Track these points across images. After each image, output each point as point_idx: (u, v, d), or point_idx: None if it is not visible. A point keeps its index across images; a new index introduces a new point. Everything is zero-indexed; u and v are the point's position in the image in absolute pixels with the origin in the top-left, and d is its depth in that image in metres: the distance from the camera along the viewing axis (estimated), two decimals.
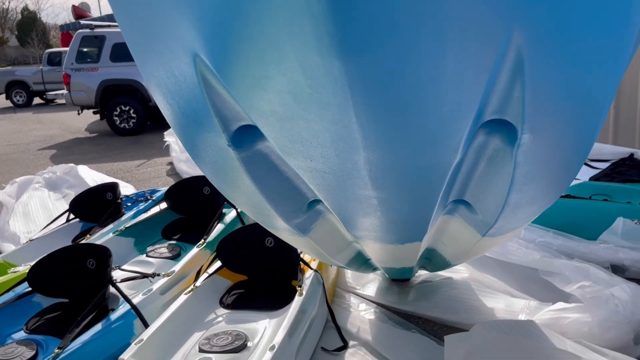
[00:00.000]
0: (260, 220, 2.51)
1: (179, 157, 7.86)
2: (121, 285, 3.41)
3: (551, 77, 1.35)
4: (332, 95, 1.17)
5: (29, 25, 50.95)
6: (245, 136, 1.58)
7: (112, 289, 3.40)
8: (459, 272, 3.75)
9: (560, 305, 3.08)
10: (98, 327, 3.08)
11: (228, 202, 4.78)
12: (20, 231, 5.54)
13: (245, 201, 2.29)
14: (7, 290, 3.47)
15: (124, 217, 4.80)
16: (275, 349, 2.65)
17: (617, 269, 3.71)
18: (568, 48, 1.30)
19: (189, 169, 7.41)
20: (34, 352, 2.95)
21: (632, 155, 5.41)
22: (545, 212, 2.30)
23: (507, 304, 3.29)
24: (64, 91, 12.74)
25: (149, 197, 5.33)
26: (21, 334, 3.20)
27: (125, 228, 4.46)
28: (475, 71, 1.24)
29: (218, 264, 3.65)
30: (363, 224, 2.09)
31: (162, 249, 4.33)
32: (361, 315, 3.45)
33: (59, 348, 2.84)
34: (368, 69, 1.12)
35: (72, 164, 7.52)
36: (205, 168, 2.12)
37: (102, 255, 3.42)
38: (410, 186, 1.68)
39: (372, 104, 1.22)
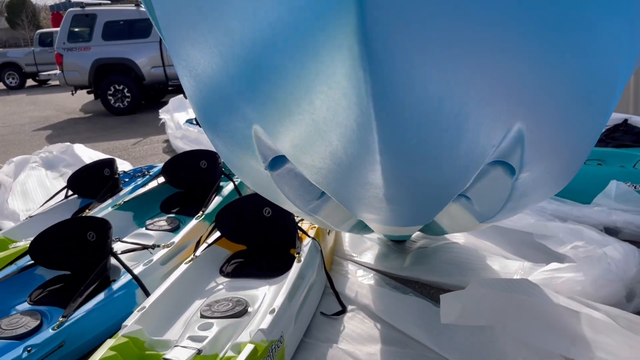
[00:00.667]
0: (271, 199, 2.63)
1: (175, 134, 7.86)
2: (122, 257, 3.46)
3: (545, 140, 1.75)
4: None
5: (19, 6, 50.20)
6: (277, 160, 1.96)
7: (113, 261, 3.45)
8: (455, 237, 3.81)
9: (554, 265, 3.14)
10: (100, 296, 3.14)
11: (225, 174, 4.81)
12: (19, 209, 5.56)
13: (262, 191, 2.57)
14: (10, 264, 3.51)
15: (122, 192, 4.83)
16: (275, 312, 2.71)
17: (611, 232, 3.76)
18: (560, 128, 1.72)
19: (185, 145, 7.41)
20: (38, 322, 3.00)
21: (626, 121, 5.43)
22: None
23: (501, 265, 3.35)
24: (57, 71, 12.64)
25: (146, 172, 5.35)
26: (25, 306, 3.26)
27: (124, 202, 4.49)
28: (486, 141, 1.58)
29: (217, 234, 3.69)
30: (369, 215, 2.30)
31: (161, 222, 4.37)
32: (359, 281, 3.50)
33: (63, 317, 2.89)
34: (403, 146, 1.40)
35: (68, 143, 7.51)
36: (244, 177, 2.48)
37: (102, 227, 3.46)
38: (419, 200, 1.96)
39: (399, 155, 1.47)
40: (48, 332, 2.81)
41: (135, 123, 10.89)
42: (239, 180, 4.85)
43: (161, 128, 8.83)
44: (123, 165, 6.45)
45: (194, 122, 7.85)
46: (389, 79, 1.15)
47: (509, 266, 3.32)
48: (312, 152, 1.59)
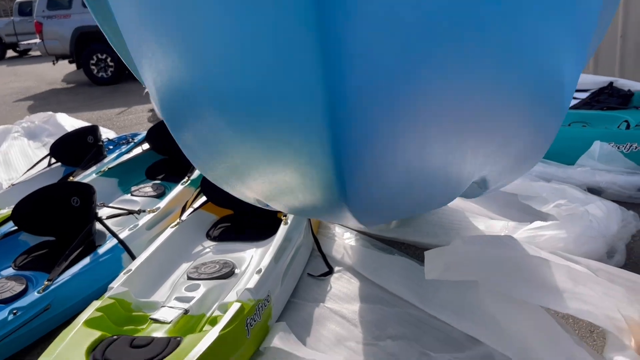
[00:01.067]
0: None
1: None
2: (107, 222, 3.44)
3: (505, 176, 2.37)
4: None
5: None
6: None
7: (98, 226, 3.43)
8: None
9: (537, 223, 3.17)
10: (86, 260, 3.13)
11: None
12: (1, 179, 5.50)
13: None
14: None
15: (106, 160, 4.78)
16: (262, 272, 2.72)
17: (594, 192, 3.80)
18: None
19: None
20: (23, 286, 2.99)
21: (611, 83, 5.45)
22: None
23: (486, 225, 3.38)
24: (37, 40, 12.36)
25: (130, 139, 5.29)
26: (10, 271, 3.24)
27: (109, 169, 4.45)
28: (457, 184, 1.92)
29: (203, 199, 3.68)
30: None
31: (147, 188, 4.34)
32: (345, 243, 3.52)
33: (48, 280, 2.89)
34: None
35: (50, 112, 7.40)
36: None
37: (86, 192, 3.43)
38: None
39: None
40: (34, 296, 2.81)
41: (119, 92, 10.72)
42: None
43: (145, 97, 8.71)
44: (108, 134, 6.37)
45: None
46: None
47: (493, 226, 3.35)
48: (280, 200, 1.83)
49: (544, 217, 3.37)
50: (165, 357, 2.22)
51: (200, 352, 2.17)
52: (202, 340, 2.25)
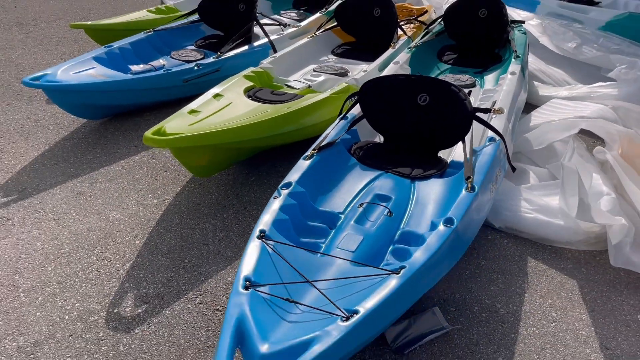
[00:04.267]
0: None
1: None
2: (258, 28, 4.58)
3: None
4: None
5: None
6: None
7: (256, 30, 4.57)
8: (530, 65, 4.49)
9: (598, 84, 3.82)
10: (244, 47, 4.30)
11: None
12: None
13: None
14: (182, 16, 4.76)
15: None
16: (366, 71, 3.72)
17: None
18: None
19: None
20: (202, 56, 4.26)
21: None
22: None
23: (555, 85, 4.08)
24: None
25: None
26: (192, 47, 4.52)
27: None
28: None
29: (334, 24, 4.64)
30: None
31: (292, 13, 5.41)
32: None
33: (220, 52, 4.11)
34: None
35: None
36: None
37: (250, 1, 4.52)
38: None
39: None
40: (210, 59, 4.05)
41: None
42: None
43: None
44: None
45: None
46: None
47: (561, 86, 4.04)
48: None
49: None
50: (292, 100, 3.36)
51: (313, 101, 3.27)
52: (316, 96, 3.35)
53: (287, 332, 1.59)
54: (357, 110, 3.02)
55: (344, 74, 4.04)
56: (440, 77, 3.99)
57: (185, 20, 4.72)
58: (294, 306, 1.72)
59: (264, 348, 1.49)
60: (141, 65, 4.04)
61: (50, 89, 3.42)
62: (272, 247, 1.95)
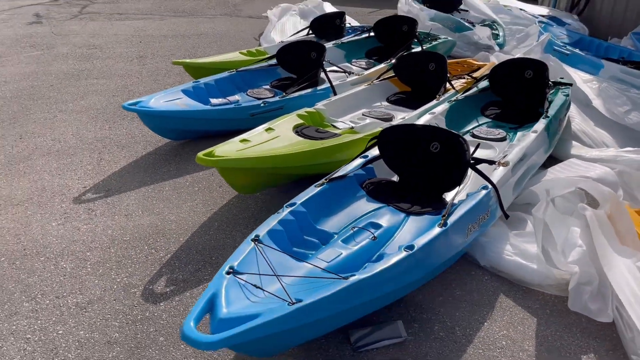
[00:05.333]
0: None
1: (402, 7, 9.23)
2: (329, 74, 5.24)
3: None
4: None
5: None
6: None
7: (323, 75, 5.24)
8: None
9: (626, 149, 4.01)
10: (309, 90, 4.97)
11: (416, 38, 6.18)
12: (276, 39, 7.73)
13: None
14: (262, 60, 5.55)
15: (344, 38, 6.55)
16: (405, 118, 4.22)
17: None
18: None
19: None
20: (272, 95, 4.98)
21: None
22: None
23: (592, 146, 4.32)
24: None
25: (365, 29, 6.97)
26: (267, 86, 5.28)
27: (342, 43, 6.23)
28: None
29: (392, 74, 5.19)
30: None
31: (362, 62, 6.04)
32: None
33: (285, 92, 4.80)
34: None
35: (320, 0, 9.44)
36: None
37: (320, 49, 5.20)
38: None
39: None
40: (276, 98, 4.75)
41: None
42: (429, 43, 6.22)
43: (394, 3, 10.23)
44: (351, 22, 8.15)
45: (419, 1, 9.06)
46: None
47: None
48: None
49: None
50: (330, 137, 3.93)
51: (345, 140, 3.83)
52: (352, 136, 3.91)
53: (246, 307, 2.13)
54: (377, 150, 3.53)
55: (389, 119, 4.56)
56: (476, 129, 4.38)
57: (265, 64, 5.51)
58: (260, 292, 2.26)
59: (223, 313, 2.06)
60: (219, 99, 4.84)
61: (142, 113, 4.28)
62: (260, 248, 2.52)
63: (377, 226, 2.96)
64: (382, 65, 5.61)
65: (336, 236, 2.90)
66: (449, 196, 3.35)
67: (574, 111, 4.97)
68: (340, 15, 6.80)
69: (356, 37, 6.49)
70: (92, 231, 3.40)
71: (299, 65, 5.32)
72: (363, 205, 3.20)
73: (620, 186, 3.46)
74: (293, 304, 2.10)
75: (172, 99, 4.57)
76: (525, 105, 4.68)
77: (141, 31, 8.61)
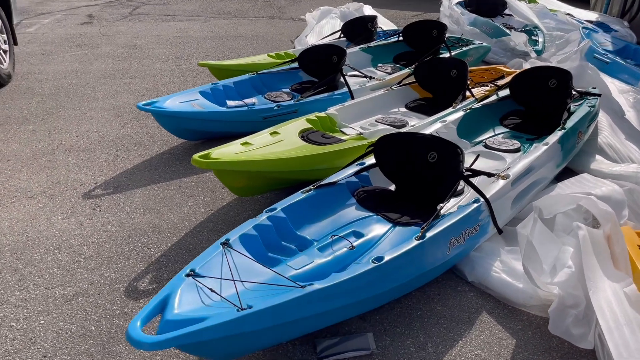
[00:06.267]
0: None
1: (445, 12, 9.05)
2: (348, 78, 5.20)
3: None
4: None
5: None
6: None
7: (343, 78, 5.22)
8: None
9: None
10: (325, 94, 4.95)
11: (444, 43, 6.05)
12: (310, 42, 7.75)
13: None
14: (283, 63, 5.58)
15: (372, 42, 6.50)
16: (415, 125, 4.14)
17: None
18: None
19: (450, 24, 8.59)
20: (290, 98, 5.00)
21: None
22: None
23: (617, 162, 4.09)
24: None
25: (396, 33, 6.88)
26: (287, 90, 5.31)
27: (368, 47, 6.18)
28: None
29: (412, 80, 5.10)
30: None
31: (388, 67, 5.97)
32: None
33: (301, 96, 4.81)
34: None
35: (361, 3, 9.40)
36: None
37: (341, 53, 5.17)
38: None
39: None
40: (291, 102, 4.77)
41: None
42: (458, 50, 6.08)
43: (437, 6, 10.05)
44: (384, 25, 8.06)
45: (461, 5, 8.86)
46: None
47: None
48: None
49: None
50: (335, 143, 3.91)
51: (346, 146, 3.79)
52: (354, 142, 3.87)
53: (196, 310, 2.16)
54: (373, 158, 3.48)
55: (402, 126, 4.49)
56: (490, 139, 4.24)
57: (286, 67, 5.54)
58: (215, 296, 2.29)
59: (170, 315, 2.09)
60: (236, 102, 4.92)
61: (156, 113, 4.41)
62: (227, 252, 2.54)
63: (360, 235, 2.93)
64: (405, 70, 5.52)
65: (315, 243, 2.88)
66: (444, 207, 3.27)
67: (604, 123, 4.73)
68: (372, 19, 6.74)
69: (385, 42, 6.42)
70: (93, 226, 3.53)
71: (320, 68, 5.31)
72: (351, 213, 3.16)
73: (629, 205, 3.26)
74: (242, 309, 2.11)
75: (188, 100, 4.68)
76: (548, 115, 4.49)
77: (183, 32, 8.86)
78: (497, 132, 4.46)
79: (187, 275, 2.33)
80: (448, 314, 2.82)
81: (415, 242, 2.63)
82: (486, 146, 4.15)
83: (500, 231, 3.17)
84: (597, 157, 4.29)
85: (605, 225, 2.93)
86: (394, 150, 3.35)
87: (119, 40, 8.26)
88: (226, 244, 2.58)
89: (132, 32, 8.83)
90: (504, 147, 4.09)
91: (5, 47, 6.21)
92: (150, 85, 6.25)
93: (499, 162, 3.93)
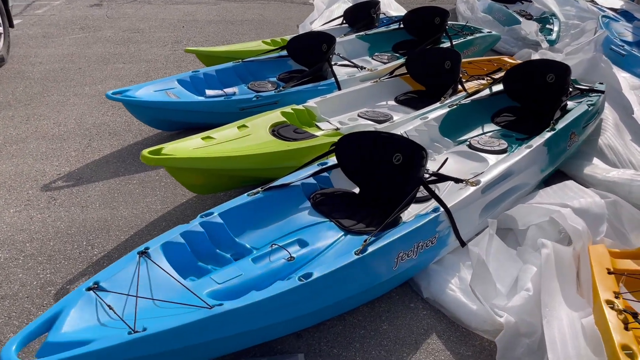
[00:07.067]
0: None
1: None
2: (337, 69, 4.92)
3: None
4: None
5: None
6: None
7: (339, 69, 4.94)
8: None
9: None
10: (309, 85, 4.68)
11: (445, 32, 5.67)
12: (315, 25, 7.46)
13: None
14: (272, 51, 5.33)
15: (372, 29, 6.17)
16: (392, 123, 3.85)
17: None
18: None
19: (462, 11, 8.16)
20: (274, 88, 4.75)
21: None
22: None
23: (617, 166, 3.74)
24: None
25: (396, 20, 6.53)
26: (273, 79, 5.06)
27: (366, 34, 5.86)
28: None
29: (404, 70, 4.77)
30: None
31: (385, 56, 5.65)
32: None
33: (282, 87, 4.56)
34: None
35: None
36: None
37: (330, 40, 4.87)
38: None
39: None
40: (271, 93, 4.52)
41: None
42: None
43: None
44: (388, 12, 7.69)
45: None
46: None
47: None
48: None
49: None
50: (306, 139, 3.66)
51: (314, 143, 3.54)
52: (325, 138, 3.61)
53: (85, 331, 1.96)
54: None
55: (384, 121, 4.19)
56: (475, 138, 3.92)
57: (274, 55, 5.29)
58: (113, 313, 2.09)
59: (55, 335, 1.91)
60: (215, 91, 4.70)
61: (127, 103, 4.23)
62: (143, 263, 2.33)
63: (304, 244, 2.69)
64: (399, 61, 5.20)
65: (254, 251, 2.66)
66: (405, 215, 3.00)
67: (609, 121, 4.35)
68: (374, 5, 6.40)
69: (384, 29, 6.08)
70: (43, 221, 3.40)
71: (309, 57, 5.04)
72: (302, 219, 2.92)
73: (610, 220, 2.92)
74: (134, 332, 1.92)
75: (163, 89, 4.49)
76: (543, 113, 4.13)
77: (189, 15, 8.68)
78: (486, 130, 4.13)
79: (89, 289, 2.15)
80: (394, 334, 2.57)
81: (354, 257, 2.38)
82: (470, 146, 3.84)
83: (463, 244, 2.89)
84: (595, 160, 3.92)
85: (577, 242, 2.63)
86: (358, 149, 3.09)
87: (123, 24, 8.13)
88: (144, 253, 2.38)
89: (138, 15, 8.70)
90: (489, 148, 3.77)
91: (0, 29, 6.14)
92: (142, 71, 6.09)
93: (480, 164, 3.62)
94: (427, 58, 4.64)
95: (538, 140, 3.44)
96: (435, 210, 2.76)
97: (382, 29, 6.12)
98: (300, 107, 4.16)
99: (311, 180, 3.13)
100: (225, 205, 2.79)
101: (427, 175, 3.00)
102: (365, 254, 2.41)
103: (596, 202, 2.94)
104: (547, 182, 3.64)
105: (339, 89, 4.70)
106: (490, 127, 4.17)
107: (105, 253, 3.10)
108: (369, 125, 4.05)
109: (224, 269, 2.49)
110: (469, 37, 5.91)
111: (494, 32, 6.25)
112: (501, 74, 4.71)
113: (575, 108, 3.95)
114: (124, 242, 3.20)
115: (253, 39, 7.35)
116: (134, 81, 5.77)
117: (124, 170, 4.00)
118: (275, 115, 3.99)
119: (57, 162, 4.11)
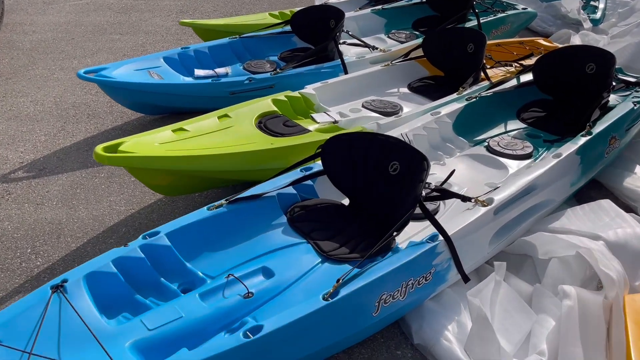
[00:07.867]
0: None
1: None
2: (346, 47, 4.35)
3: None
4: None
5: None
6: None
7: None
8: None
9: None
10: (312, 67, 4.13)
11: (472, 8, 5.00)
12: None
13: None
14: (273, 26, 4.76)
15: (389, 4, 5.51)
16: (399, 118, 3.30)
17: None
18: None
19: None
20: (272, 69, 4.20)
21: None
22: None
23: None
24: None
25: None
26: (274, 58, 4.52)
27: (382, 9, 5.23)
28: None
29: (420, 53, 4.17)
30: None
31: (403, 34, 5.03)
32: None
33: (280, 69, 4.00)
34: None
35: None
36: None
37: (338, 15, 4.28)
38: None
39: None
40: (266, 75, 3.98)
41: None
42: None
43: None
44: None
45: None
46: None
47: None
48: None
49: None
50: (293, 135, 3.15)
51: (303, 141, 3.02)
52: (320, 135, 3.10)
53: None
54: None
55: (393, 113, 3.64)
56: (494, 139, 3.34)
57: (277, 30, 4.73)
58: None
59: None
60: (204, 71, 4.19)
61: (102, 84, 3.77)
62: (56, 301, 1.88)
63: (269, 274, 2.21)
64: (416, 41, 4.58)
65: (208, 281, 2.19)
66: (399, 237, 2.47)
67: None
68: None
69: (405, 2, 5.43)
70: None
71: (315, 34, 4.47)
72: (274, 239, 2.43)
73: None
74: None
75: (146, 68, 4.00)
76: (574, 109, 3.51)
77: None
78: (509, 129, 3.54)
79: None
80: None
81: (321, 303, 1.89)
82: (488, 148, 3.26)
83: (466, 279, 2.35)
84: (638, 169, 3.30)
85: (610, 290, 2.08)
86: (348, 154, 2.56)
87: None
88: (60, 287, 1.93)
89: None
90: (510, 151, 3.19)
91: None
92: (138, 44, 5.61)
93: (498, 172, 3.06)
94: (447, 39, 4.03)
95: (570, 147, 2.85)
96: (432, 238, 2.23)
97: (402, 2, 5.47)
98: (295, 93, 3.63)
99: (290, 190, 2.63)
100: (176, 223, 2.31)
101: (428, 190, 2.46)
102: (335, 299, 1.91)
103: (637, 234, 2.36)
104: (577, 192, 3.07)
105: (346, 72, 4.14)
106: (514, 125, 3.57)
107: (49, 264, 2.68)
108: (372, 118, 3.51)
109: (163, 306, 2.03)
110: (500, 15, 5.22)
111: (529, 9, 5.53)
112: (532, 61, 4.06)
113: (618, 106, 3.31)
114: (74, 252, 2.77)
115: (266, 9, 6.76)
116: (127, 55, 5.30)
117: (93, 161, 3.56)
118: (265, 104, 3.48)
119: (22, 148, 3.69)
